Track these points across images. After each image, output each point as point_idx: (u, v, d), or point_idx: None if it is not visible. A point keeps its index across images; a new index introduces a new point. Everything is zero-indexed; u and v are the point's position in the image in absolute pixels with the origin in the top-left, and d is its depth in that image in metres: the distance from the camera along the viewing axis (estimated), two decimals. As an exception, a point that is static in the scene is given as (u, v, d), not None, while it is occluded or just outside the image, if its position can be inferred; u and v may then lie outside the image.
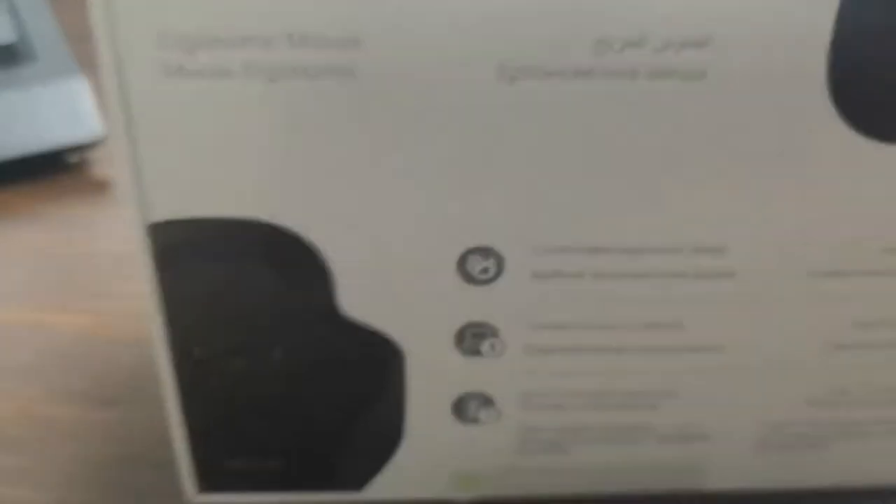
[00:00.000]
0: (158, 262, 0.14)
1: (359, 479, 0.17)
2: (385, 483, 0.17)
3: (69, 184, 0.27)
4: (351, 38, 0.12)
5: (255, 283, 0.14)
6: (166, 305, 0.14)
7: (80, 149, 0.27)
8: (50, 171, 0.27)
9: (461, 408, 0.16)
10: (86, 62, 0.28)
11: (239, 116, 0.13)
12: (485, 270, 0.14)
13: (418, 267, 0.14)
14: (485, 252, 0.14)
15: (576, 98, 0.13)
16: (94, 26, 0.12)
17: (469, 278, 0.14)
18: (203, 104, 0.13)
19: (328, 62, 0.12)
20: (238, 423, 0.16)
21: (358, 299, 0.14)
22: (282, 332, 0.15)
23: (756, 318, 0.15)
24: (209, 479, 0.17)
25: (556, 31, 0.12)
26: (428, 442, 0.16)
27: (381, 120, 0.13)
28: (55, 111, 0.27)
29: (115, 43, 0.12)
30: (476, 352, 0.15)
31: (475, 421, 0.16)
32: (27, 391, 0.19)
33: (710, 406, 0.16)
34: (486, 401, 0.16)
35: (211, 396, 0.15)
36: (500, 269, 0.14)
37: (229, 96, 0.13)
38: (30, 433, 0.18)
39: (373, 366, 0.15)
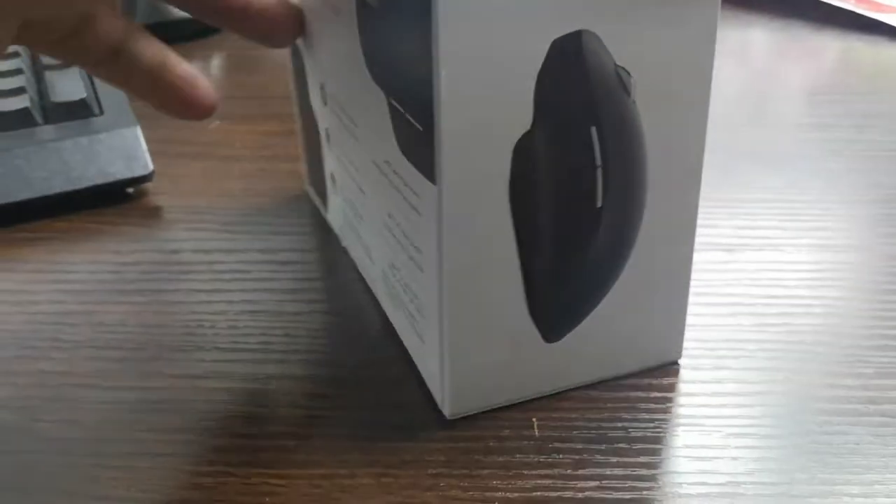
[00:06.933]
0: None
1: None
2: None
3: (126, 210, 0.34)
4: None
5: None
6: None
7: (135, 182, 0.34)
8: (113, 200, 0.34)
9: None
10: (141, 115, 0.35)
11: None
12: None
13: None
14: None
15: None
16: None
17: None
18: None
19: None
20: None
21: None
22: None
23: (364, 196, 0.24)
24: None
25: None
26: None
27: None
28: (116, 153, 0.34)
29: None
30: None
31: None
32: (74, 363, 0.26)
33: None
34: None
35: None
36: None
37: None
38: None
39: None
